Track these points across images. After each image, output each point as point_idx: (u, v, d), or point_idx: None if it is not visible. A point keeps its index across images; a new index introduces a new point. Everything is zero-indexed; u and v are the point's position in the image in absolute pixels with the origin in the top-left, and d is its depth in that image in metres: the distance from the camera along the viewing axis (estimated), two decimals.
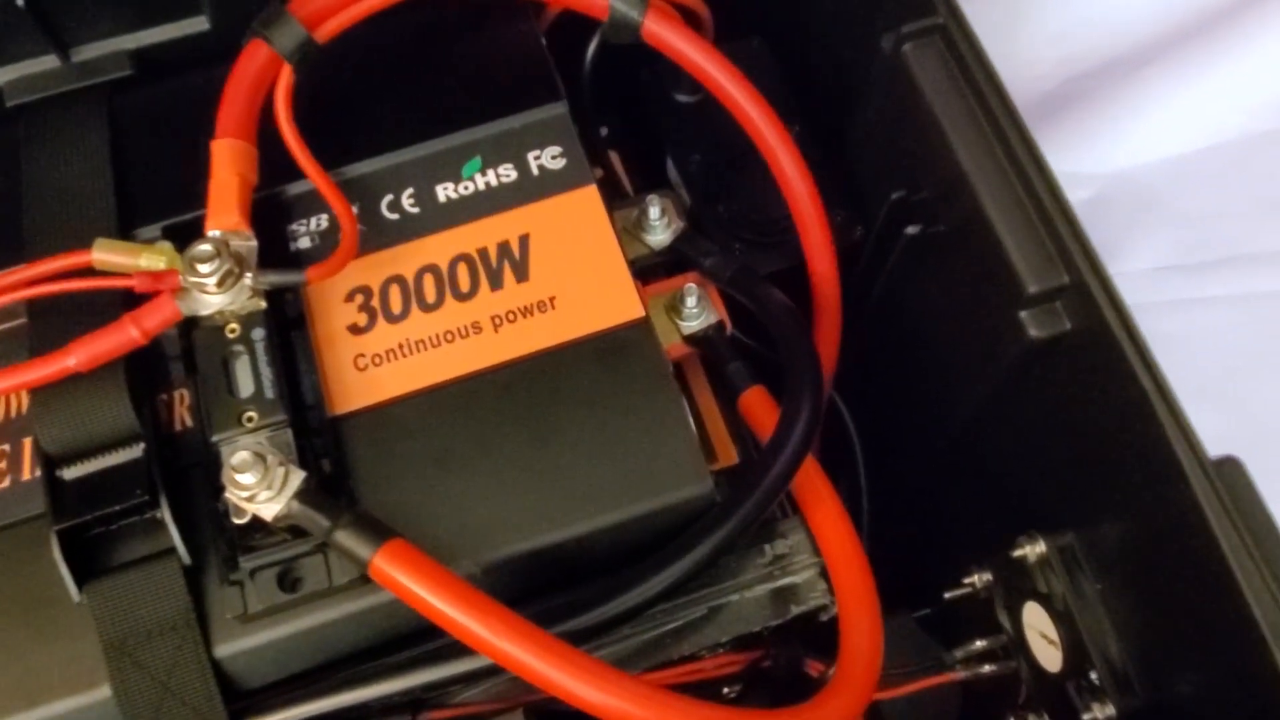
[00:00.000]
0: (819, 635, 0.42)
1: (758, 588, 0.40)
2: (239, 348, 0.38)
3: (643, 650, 0.39)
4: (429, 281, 0.42)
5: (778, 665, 0.45)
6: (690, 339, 0.44)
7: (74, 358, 0.37)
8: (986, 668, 0.47)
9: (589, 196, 0.43)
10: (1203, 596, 0.34)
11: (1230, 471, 0.33)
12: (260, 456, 0.35)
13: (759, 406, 0.42)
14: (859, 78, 0.47)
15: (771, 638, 0.42)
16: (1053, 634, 0.42)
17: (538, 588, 0.38)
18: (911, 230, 0.45)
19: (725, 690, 0.46)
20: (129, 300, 0.38)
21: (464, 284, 0.42)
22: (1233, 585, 0.32)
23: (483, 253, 0.42)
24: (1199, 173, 0.78)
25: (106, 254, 0.38)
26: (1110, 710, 0.40)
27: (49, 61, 0.47)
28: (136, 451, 0.37)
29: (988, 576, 0.47)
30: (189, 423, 0.39)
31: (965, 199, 0.40)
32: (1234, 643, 0.32)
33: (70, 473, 0.37)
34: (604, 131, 0.55)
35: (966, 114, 0.40)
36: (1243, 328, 0.73)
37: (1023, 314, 0.39)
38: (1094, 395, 0.38)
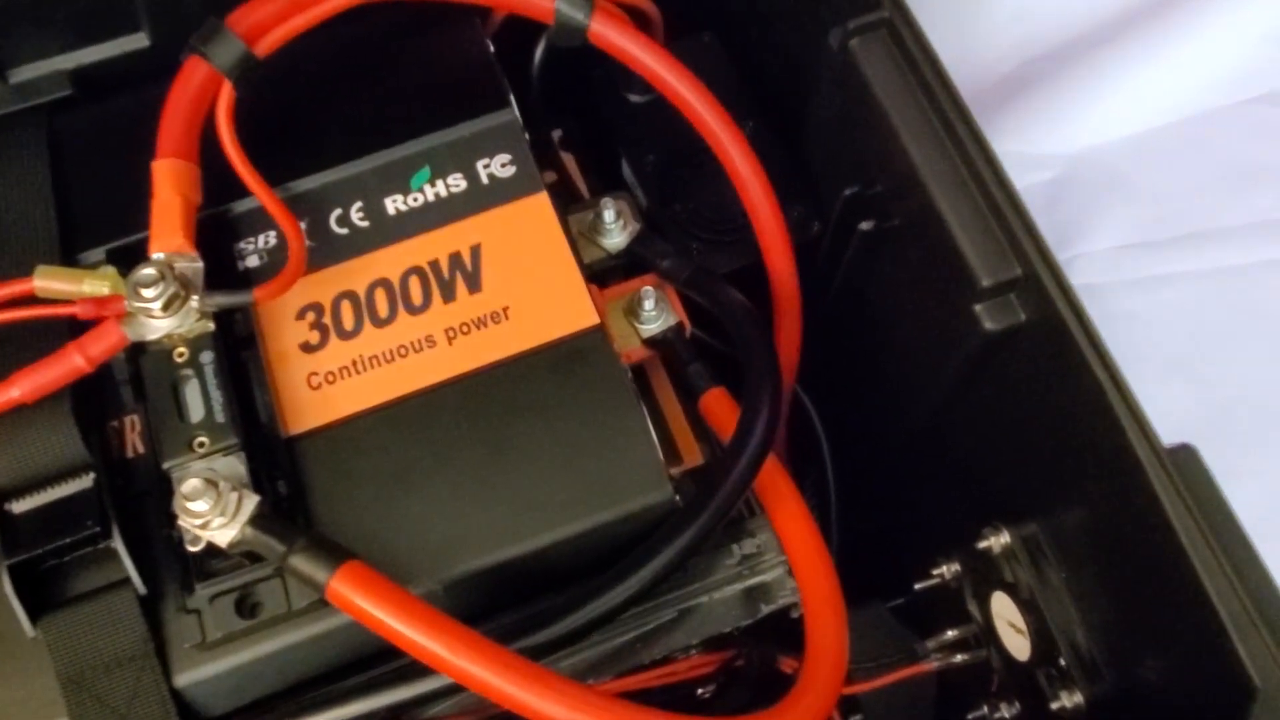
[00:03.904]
0: (792, 631, 0.41)
1: (727, 588, 0.40)
2: (188, 372, 0.38)
3: (613, 656, 0.39)
4: (381, 296, 0.41)
5: (751, 664, 0.45)
6: (650, 341, 0.44)
7: (18, 389, 0.36)
8: (959, 657, 0.48)
9: (540, 204, 0.43)
10: (1162, 584, 0.34)
11: (1185, 459, 0.33)
12: (212, 483, 0.34)
13: (720, 408, 0.42)
14: (809, 73, 0.47)
15: (743, 637, 0.42)
16: (1020, 623, 0.42)
17: (502, 602, 0.38)
18: (865, 226, 0.45)
19: (700, 691, 0.46)
20: (74, 328, 0.38)
21: (416, 297, 0.41)
22: (1190, 572, 0.32)
23: (434, 265, 0.42)
24: (1159, 150, 0.78)
25: (48, 281, 0.37)
26: (1079, 697, 0.40)
27: None
28: (86, 482, 0.36)
29: (956, 567, 0.47)
30: (141, 449, 0.39)
31: (916, 194, 0.39)
32: (1194, 629, 0.32)
33: (19, 506, 0.36)
34: (557, 134, 0.54)
35: (915, 109, 0.40)
36: (1207, 304, 0.73)
37: (977, 307, 0.38)
38: (1050, 386, 0.38)
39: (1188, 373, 0.69)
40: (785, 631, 0.42)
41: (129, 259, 0.39)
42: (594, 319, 0.41)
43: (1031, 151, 0.79)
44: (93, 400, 0.39)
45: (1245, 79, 0.78)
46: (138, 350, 0.38)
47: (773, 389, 0.39)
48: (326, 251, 0.42)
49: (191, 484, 0.34)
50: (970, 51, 0.78)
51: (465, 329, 0.40)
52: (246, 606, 0.36)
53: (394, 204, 0.43)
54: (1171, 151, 0.78)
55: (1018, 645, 0.43)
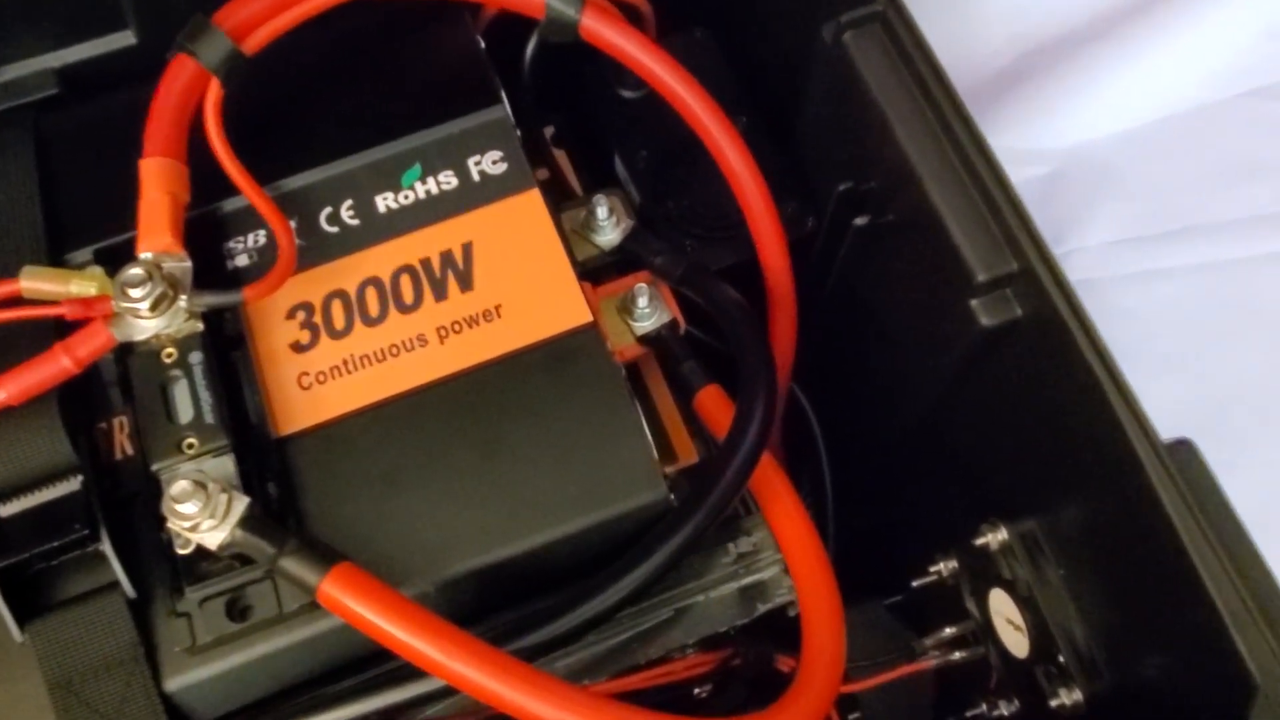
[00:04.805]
0: (789, 630, 0.41)
1: (723, 587, 0.40)
2: (176, 372, 0.37)
3: (609, 656, 0.39)
4: (371, 295, 0.41)
5: (747, 663, 0.44)
6: (643, 339, 0.43)
7: (4, 391, 0.35)
8: (957, 654, 0.47)
9: (532, 201, 0.42)
10: (1161, 580, 0.34)
11: (1184, 455, 0.33)
12: (201, 485, 0.34)
13: (714, 406, 0.42)
14: (803, 67, 0.46)
15: (740, 636, 0.42)
16: (1019, 620, 0.42)
17: (495, 603, 0.38)
18: (860, 221, 0.45)
19: (696, 691, 0.46)
20: (61, 329, 0.37)
21: (407, 296, 0.41)
22: (1189, 569, 0.32)
23: (425, 263, 0.41)
24: (1153, 145, 0.78)
25: (35, 282, 0.37)
26: (1078, 695, 0.40)
27: None
28: (74, 484, 0.36)
29: (953, 564, 0.47)
30: (129, 450, 0.38)
31: (911, 189, 0.39)
32: (1194, 625, 0.32)
33: (6, 509, 0.36)
34: (550, 131, 0.54)
35: (909, 103, 0.40)
36: (1201, 298, 0.73)
37: (974, 302, 0.38)
38: (1047, 382, 0.37)
39: (1183, 367, 0.69)
40: (782, 630, 0.42)
41: (116, 259, 0.38)
42: (587, 317, 0.40)
43: (1025, 146, 0.79)
44: (80, 402, 0.38)
45: (1240, 73, 0.78)
46: (126, 351, 0.38)
47: (767, 386, 0.39)
48: (317, 250, 0.42)
49: (180, 486, 0.34)
50: (963, 46, 0.78)
51: (457, 327, 0.40)
52: (237, 609, 0.35)
53: (385, 202, 0.43)
54: (1166, 146, 0.78)
55: (1016, 642, 0.43)
